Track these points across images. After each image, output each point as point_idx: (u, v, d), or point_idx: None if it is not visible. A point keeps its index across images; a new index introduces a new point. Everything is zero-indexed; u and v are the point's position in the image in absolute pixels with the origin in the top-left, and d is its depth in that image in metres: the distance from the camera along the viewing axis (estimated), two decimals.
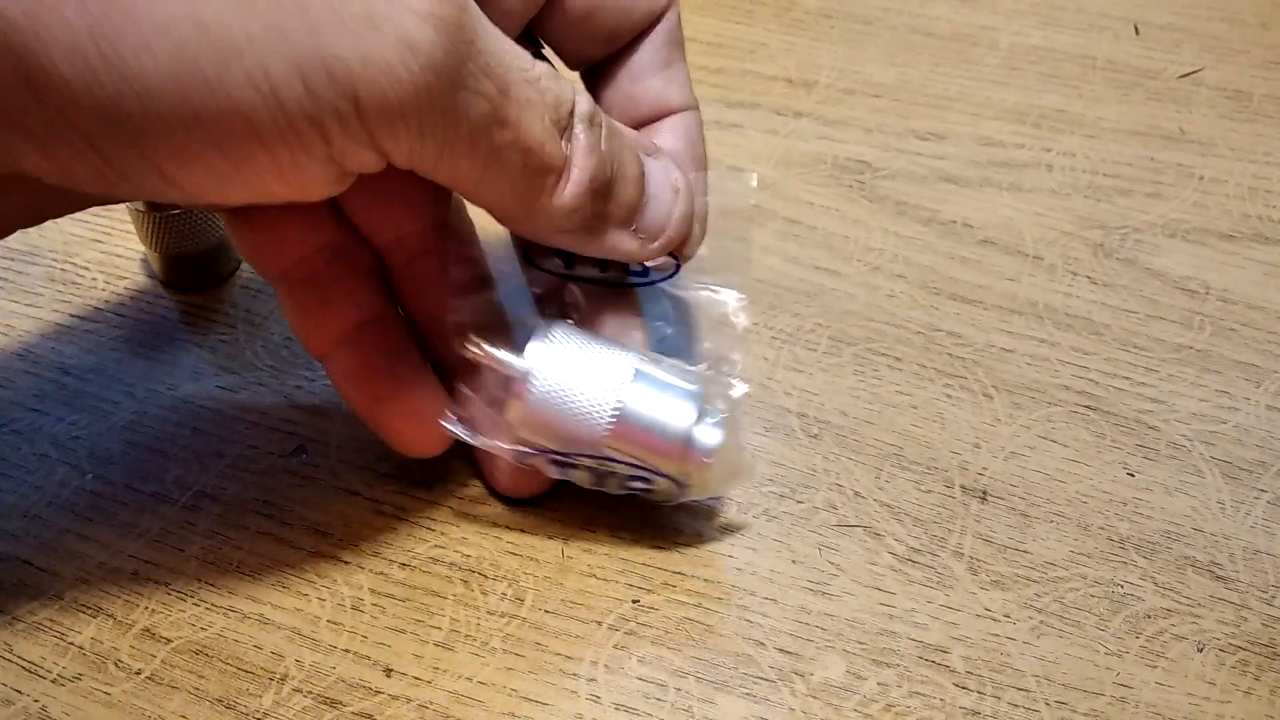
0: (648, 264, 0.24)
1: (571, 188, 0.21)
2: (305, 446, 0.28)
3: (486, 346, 0.23)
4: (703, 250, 0.25)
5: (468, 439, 0.24)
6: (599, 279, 0.25)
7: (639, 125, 0.26)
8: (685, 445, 0.23)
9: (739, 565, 0.25)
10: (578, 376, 0.23)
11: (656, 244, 0.23)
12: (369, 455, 0.27)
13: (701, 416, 0.23)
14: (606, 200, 0.22)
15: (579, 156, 0.21)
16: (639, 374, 0.23)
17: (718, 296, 0.26)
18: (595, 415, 0.23)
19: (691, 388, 0.24)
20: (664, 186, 0.23)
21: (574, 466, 0.24)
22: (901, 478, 0.27)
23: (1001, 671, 0.23)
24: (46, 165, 0.19)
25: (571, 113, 0.21)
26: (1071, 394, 0.29)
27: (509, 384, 0.23)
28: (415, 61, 0.18)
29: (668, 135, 0.26)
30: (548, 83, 0.21)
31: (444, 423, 0.24)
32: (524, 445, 0.24)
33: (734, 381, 0.24)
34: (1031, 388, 0.29)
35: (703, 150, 0.26)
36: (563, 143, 0.21)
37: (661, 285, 0.25)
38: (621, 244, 0.23)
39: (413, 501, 0.26)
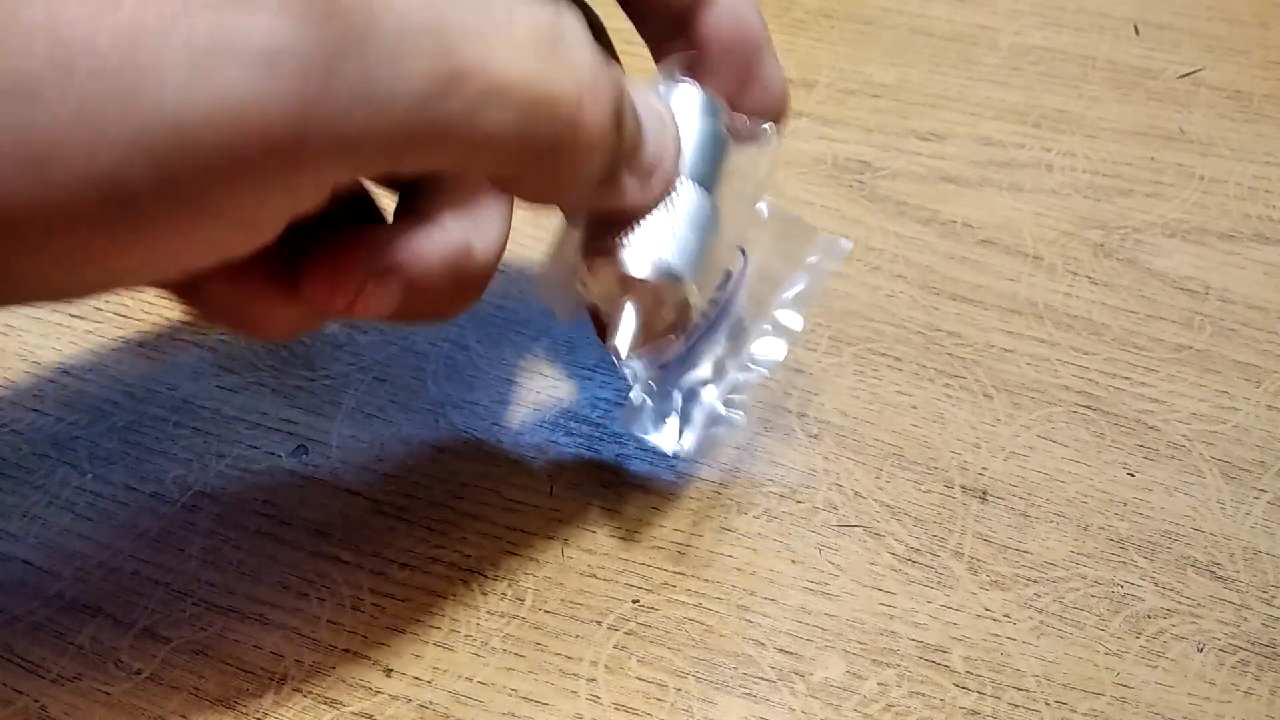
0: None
1: (594, 116, 0.17)
2: (305, 446, 0.28)
3: None
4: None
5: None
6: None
7: (681, 23, 0.22)
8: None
9: (739, 565, 0.25)
10: None
11: (655, 184, 0.21)
12: (369, 455, 0.27)
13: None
14: (620, 132, 0.18)
15: (590, 78, 0.17)
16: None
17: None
18: None
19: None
20: (651, 114, 0.20)
21: None
22: (901, 478, 0.27)
23: (1001, 671, 0.23)
24: None
25: (560, 32, 0.17)
26: (1071, 394, 0.29)
27: None
28: (283, 86, 0.15)
29: (715, 24, 0.22)
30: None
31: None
32: None
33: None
34: (1031, 388, 0.29)
35: (759, 24, 0.23)
36: (561, 70, 0.17)
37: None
38: (627, 189, 0.20)
39: (413, 501, 0.26)
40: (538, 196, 0.19)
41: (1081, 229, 0.34)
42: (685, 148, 0.22)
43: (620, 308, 0.22)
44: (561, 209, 0.21)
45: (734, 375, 0.25)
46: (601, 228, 0.22)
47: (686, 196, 0.22)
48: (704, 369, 0.25)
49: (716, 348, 0.25)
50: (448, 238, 0.20)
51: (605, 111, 0.18)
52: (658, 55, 0.24)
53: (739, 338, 0.25)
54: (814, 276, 0.25)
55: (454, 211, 0.21)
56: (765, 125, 0.24)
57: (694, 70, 0.23)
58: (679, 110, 0.22)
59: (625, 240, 0.21)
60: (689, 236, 0.22)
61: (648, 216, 0.21)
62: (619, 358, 0.22)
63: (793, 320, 0.25)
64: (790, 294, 0.25)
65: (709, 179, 0.22)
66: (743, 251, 0.25)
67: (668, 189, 0.21)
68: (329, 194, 0.17)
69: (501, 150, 0.17)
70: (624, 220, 0.21)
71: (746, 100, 0.23)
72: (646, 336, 0.23)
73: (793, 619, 0.24)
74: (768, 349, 0.25)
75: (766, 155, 0.24)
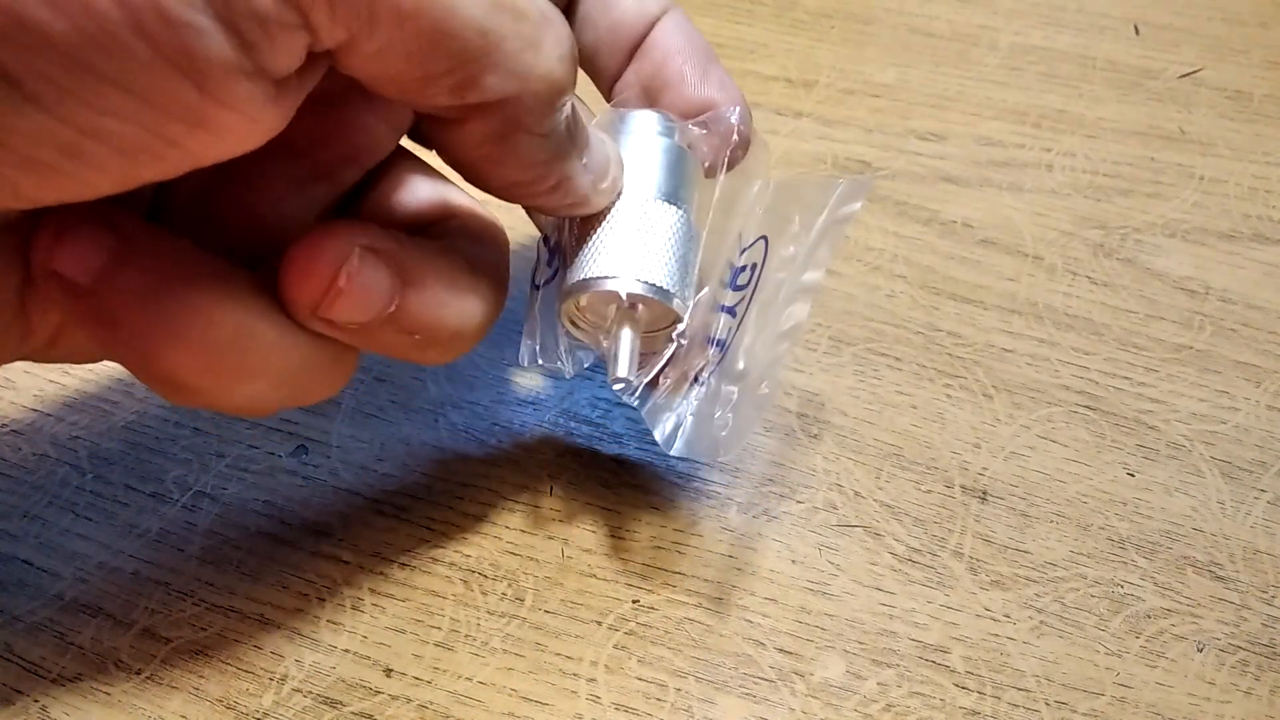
0: None
1: (556, 46, 0.18)
2: (305, 446, 0.28)
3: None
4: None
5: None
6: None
7: (631, 49, 0.24)
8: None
9: (739, 565, 0.25)
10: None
11: (605, 185, 0.21)
12: (369, 455, 0.27)
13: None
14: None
15: (552, 15, 0.18)
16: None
17: None
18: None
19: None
20: (594, 134, 0.21)
21: None
22: (901, 478, 0.27)
23: (1001, 671, 0.23)
24: None
25: None
26: (1071, 394, 0.29)
27: None
28: None
29: (664, 41, 0.24)
30: None
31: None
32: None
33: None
34: (1031, 388, 0.29)
35: (704, 42, 0.25)
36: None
37: None
38: (578, 178, 0.20)
39: (413, 501, 0.26)
40: (501, 118, 0.18)
41: (1081, 229, 0.34)
42: (650, 168, 0.23)
43: (616, 338, 0.22)
44: (522, 179, 0.20)
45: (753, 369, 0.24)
46: (576, 268, 0.22)
47: (658, 214, 0.22)
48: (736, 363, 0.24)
49: (743, 345, 0.24)
50: (440, 247, 0.21)
51: (565, 41, 0.18)
52: (609, 94, 0.25)
53: (765, 324, 0.24)
54: (835, 226, 0.24)
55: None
56: (732, 112, 0.24)
57: (647, 99, 0.25)
58: (639, 134, 0.23)
59: (605, 265, 0.22)
60: (668, 251, 0.22)
61: (624, 239, 0.22)
62: (627, 383, 0.22)
63: (813, 277, 0.24)
64: (817, 252, 0.24)
65: (677, 195, 0.23)
66: (765, 240, 0.24)
67: (615, 195, 0.22)
68: (299, 63, 0.15)
69: (473, 29, 0.16)
70: (594, 246, 0.22)
71: (709, 102, 0.24)
72: (642, 360, 0.23)
73: (793, 619, 0.24)
74: (795, 314, 0.24)
75: (757, 148, 0.25)
